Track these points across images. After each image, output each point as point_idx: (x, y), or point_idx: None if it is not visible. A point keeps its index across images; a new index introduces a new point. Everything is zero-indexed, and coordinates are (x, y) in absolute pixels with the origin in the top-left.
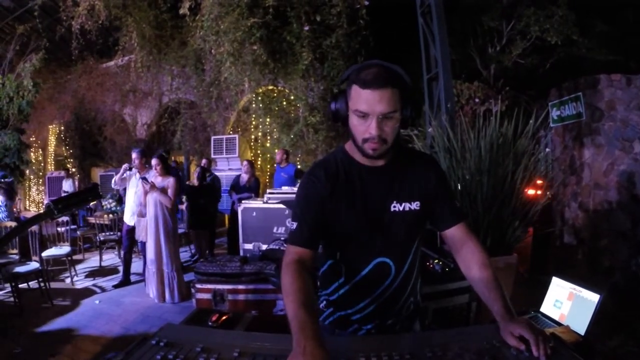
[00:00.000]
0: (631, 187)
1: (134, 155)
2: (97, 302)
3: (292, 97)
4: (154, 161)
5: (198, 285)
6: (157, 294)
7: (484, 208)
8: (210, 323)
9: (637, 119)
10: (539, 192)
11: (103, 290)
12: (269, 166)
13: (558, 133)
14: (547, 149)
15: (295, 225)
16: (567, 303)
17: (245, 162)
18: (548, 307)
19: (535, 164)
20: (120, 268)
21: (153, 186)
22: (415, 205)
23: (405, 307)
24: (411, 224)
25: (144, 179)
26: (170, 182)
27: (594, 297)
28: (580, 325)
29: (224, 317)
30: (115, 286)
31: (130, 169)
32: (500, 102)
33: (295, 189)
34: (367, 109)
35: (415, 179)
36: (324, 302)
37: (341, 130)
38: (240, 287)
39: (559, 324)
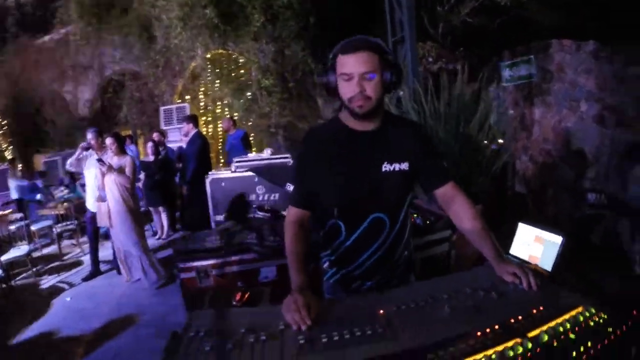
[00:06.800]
0: (576, 143)
1: (89, 135)
2: (68, 299)
3: (243, 61)
4: (108, 140)
5: (181, 265)
6: (128, 276)
7: (453, 165)
8: (234, 303)
9: (584, 81)
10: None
11: (71, 285)
12: (220, 133)
13: (509, 92)
14: (511, 111)
15: (293, 188)
16: (534, 245)
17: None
18: (517, 250)
19: (497, 123)
20: (84, 259)
21: (110, 167)
22: (404, 166)
23: (401, 260)
24: (401, 183)
25: (99, 160)
26: (127, 160)
27: (557, 239)
28: (547, 264)
29: (246, 295)
30: (85, 279)
31: (87, 149)
32: (455, 61)
33: (256, 155)
34: (349, 70)
35: (403, 141)
36: (327, 262)
37: (295, 92)
38: (224, 260)
39: (528, 263)
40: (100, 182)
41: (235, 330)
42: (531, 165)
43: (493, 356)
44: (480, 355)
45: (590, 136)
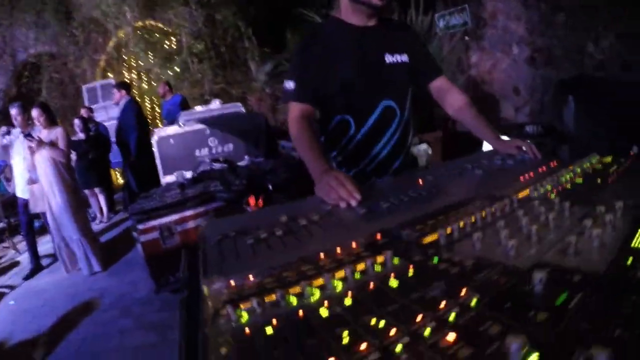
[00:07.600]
0: (511, 83)
1: (13, 111)
2: (11, 302)
3: (170, 29)
4: (34, 112)
5: (140, 227)
6: (69, 266)
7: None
8: (249, 208)
9: (515, 27)
10: None
11: (12, 287)
12: (148, 106)
13: (446, 40)
14: (447, 56)
15: (292, 84)
16: None
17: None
18: None
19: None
20: (20, 258)
21: (40, 142)
22: (404, 58)
23: (410, 153)
24: (404, 73)
25: (27, 135)
26: (58, 132)
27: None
28: None
29: (260, 199)
30: (27, 277)
31: (8, 132)
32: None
33: (205, 107)
34: None
35: (400, 35)
36: (334, 164)
37: (227, 57)
38: (188, 213)
39: None
40: (29, 162)
41: (275, 222)
42: None
43: (548, 186)
44: (528, 190)
45: (523, 76)
